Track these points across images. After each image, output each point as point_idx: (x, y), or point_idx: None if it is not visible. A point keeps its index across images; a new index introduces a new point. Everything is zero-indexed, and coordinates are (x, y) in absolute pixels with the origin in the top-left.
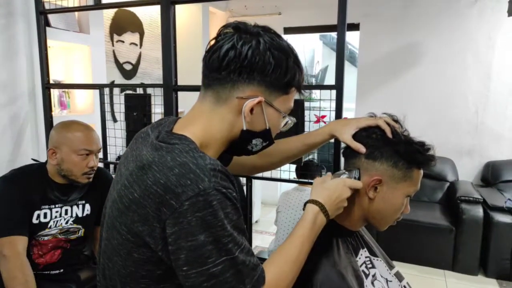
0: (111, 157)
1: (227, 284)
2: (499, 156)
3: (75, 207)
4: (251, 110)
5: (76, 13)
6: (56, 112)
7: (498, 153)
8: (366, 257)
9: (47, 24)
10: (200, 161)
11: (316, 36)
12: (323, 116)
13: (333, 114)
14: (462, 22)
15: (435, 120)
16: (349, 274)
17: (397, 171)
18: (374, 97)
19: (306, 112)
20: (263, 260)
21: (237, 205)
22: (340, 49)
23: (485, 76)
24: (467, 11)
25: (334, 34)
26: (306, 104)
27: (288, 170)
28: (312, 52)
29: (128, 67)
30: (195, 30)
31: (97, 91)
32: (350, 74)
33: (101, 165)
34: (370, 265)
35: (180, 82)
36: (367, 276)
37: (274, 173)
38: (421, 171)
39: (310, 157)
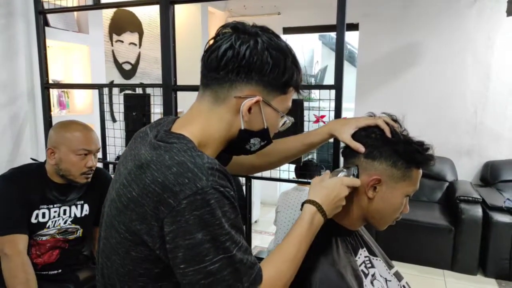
0: (110, 157)
1: (224, 282)
2: (498, 156)
3: (73, 207)
4: (249, 110)
5: (75, 13)
6: (55, 112)
7: (497, 153)
8: (365, 256)
9: (46, 24)
10: (198, 160)
11: (315, 36)
12: (323, 116)
13: (332, 114)
14: (461, 22)
15: (434, 120)
16: (348, 273)
17: (396, 171)
18: (374, 97)
19: (306, 112)
20: (261, 260)
21: (235, 204)
22: (339, 49)
23: (484, 76)
24: (466, 11)
25: (333, 34)
26: (306, 104)
27: (288, 170)
28: (311, 52)
29: (127, 67)
30: (194, 30)
31: (96, 91)
32: (350, 74)
33: (100, 165)
34: (369, 265)
35: (180, 82)
36: (366, 275)
37: (274, 173)
38: (420, 171)
39: (310, 157)
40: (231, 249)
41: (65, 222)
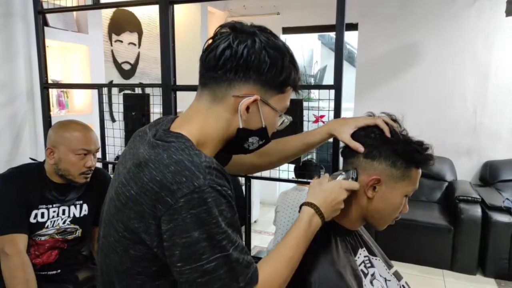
0: (110, 157)
1: (220, 281)
2: (497, 155)
3: (72, 207)
4: (247, 109)
5: (75, 12)
6: (55, 112)
7: (496, 152)
8: (365, 256)
9: (46, 23)
10: (196, 159)
11: (314, 36)
12: (322, 116)
13: (331, 113)
14: (461, 22)
15: (433, 120)
16: (348, 273)
17: (396, 171)
18: (373, 96)
19: (305, 112)
20: (260, 260)
21: (232, 203)
22: (338, 49)
23: (484, 76)
24: (465, 11)
25: (332, 34)
26: (305, 104)
27: (287, 170)
28: (310, 52)
29: (126, 67)
30: (194, 30)
31: (95, 91)
32: (349, 74)
33: (99, 165)
34: (369, 265)
35: (179, 82)
36: (366, 275)
37: (273, 173)
38: (420, 171)
39: (309, 156)
40: (227, 248)
41: (64, 222)
